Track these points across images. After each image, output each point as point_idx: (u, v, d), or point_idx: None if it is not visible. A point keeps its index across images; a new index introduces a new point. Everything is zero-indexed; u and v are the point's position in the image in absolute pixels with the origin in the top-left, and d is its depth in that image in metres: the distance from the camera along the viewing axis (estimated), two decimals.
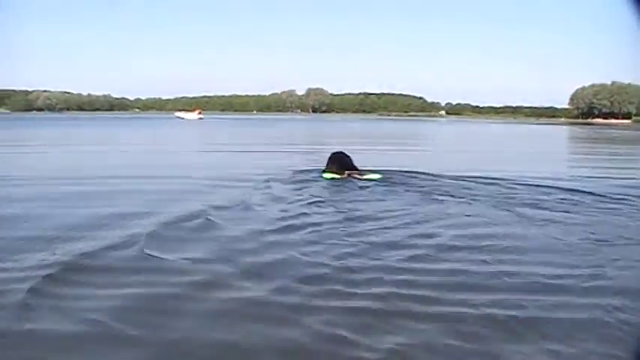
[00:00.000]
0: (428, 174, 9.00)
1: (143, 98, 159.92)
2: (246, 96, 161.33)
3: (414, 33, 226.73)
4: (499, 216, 5.81)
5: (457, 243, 4.60)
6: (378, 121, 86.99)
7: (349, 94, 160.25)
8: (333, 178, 8.49)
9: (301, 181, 8.25)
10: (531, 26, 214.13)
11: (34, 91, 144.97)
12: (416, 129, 48.30)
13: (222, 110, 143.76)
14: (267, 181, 8.20)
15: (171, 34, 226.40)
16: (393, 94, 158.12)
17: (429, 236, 4.83)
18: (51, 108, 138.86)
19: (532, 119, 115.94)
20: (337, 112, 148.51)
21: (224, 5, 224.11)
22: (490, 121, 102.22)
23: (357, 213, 5.92)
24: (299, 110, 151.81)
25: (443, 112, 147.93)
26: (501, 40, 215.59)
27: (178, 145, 21.24)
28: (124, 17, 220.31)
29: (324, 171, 8.84)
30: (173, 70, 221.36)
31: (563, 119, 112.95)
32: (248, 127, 41.80)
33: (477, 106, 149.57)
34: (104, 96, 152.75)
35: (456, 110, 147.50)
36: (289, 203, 6.42)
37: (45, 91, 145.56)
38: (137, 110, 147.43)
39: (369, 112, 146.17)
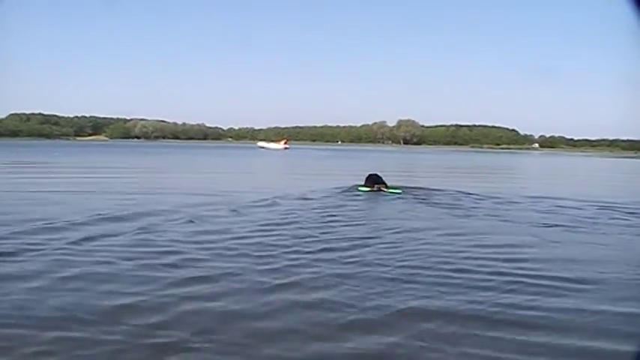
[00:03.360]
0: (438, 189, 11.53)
1: (236, 128, 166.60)
2: (337, 127, 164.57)
3: (506, 65, 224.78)
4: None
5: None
6: (467, 153, 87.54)
7: (441, 125, 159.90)
8: (364, 191, 11.15)
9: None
10: (629, 57, 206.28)
11: (131, 119, 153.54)
12: (499, 161, 49.37)
13: (313, 141, 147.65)
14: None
15: (264, 67, 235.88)
16: (486, 126, 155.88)
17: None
18: (147, 136, 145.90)
19: (630, 153, 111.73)
20: (428, 144, 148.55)
21: (319, 38, 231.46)
22: (585, 154, 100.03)
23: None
24: (390, 142, 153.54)
25: (536, 145, 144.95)
26: (596, 71, 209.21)
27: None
28: (219, 50, 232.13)
29: (361, 186, 11.52)
30: (266, 101, 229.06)
31: None
32: (338, 160, 42.87)
33: (572, 139, 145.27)
34: (198, 125, 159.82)
35: (549, 143, 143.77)
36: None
37: (141, 119, 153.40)
38: (230, 139, 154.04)
39: (460, 145, 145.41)
